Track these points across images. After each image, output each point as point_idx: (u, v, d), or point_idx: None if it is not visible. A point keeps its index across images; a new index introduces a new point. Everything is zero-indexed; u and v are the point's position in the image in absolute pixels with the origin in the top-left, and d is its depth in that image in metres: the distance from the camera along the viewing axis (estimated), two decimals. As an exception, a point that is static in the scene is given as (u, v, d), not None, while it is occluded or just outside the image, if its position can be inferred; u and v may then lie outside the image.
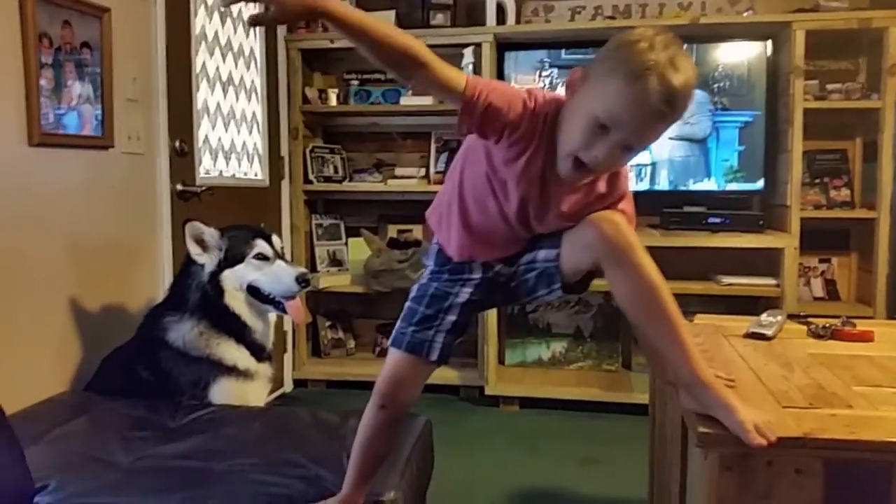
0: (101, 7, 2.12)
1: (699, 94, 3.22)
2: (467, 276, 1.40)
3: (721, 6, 3.42)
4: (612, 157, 1.16)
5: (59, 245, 2.01)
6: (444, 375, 3.36)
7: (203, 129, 2.77)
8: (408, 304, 1.42)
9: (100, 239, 2.17)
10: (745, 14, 3.29)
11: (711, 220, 3.16)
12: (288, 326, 3.43)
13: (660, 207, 3.26)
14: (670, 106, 1.10)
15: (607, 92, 1.11)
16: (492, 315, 3.25)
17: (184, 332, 2.01)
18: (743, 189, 3.26)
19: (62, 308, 2.03)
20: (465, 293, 1.40)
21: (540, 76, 3.36)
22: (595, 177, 1.26)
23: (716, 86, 3.24)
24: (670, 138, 3.27)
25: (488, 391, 3.25)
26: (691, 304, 3.23)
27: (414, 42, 1.14)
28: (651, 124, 1.13)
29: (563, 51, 3.35)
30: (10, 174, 1.83)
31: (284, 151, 3.43)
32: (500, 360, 3.47)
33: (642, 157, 3.27)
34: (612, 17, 3.47)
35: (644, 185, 3.30)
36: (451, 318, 1.39)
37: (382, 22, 1.15)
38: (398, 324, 1.42)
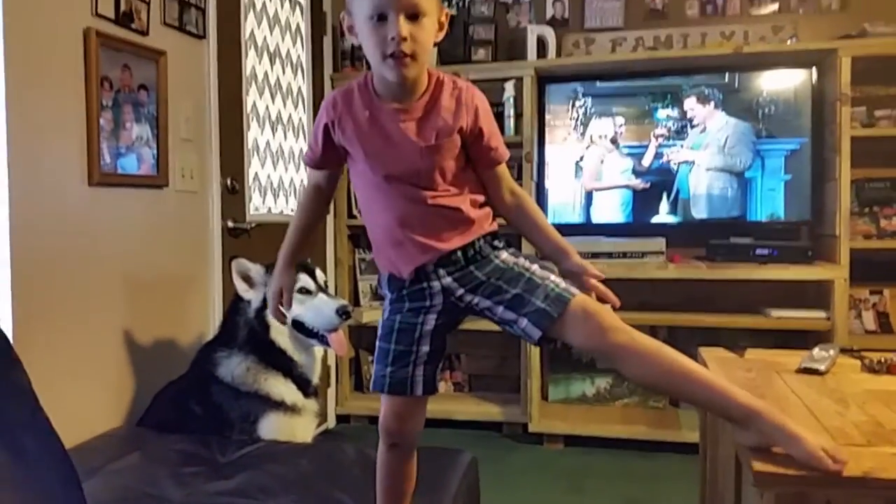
0: (159, 50, 2.21)
1: (741, 126, 3.21)
2: (429, 303, 1.38)
3: (764, 34, 3.41)
4: (402, 31, 1.24)
5: (115, 281, 2.07)
6: (487, 412, 3.35)
7: (253, 167, 2.84)
8: (378, 343, 1.42)
9: (154, 275, 2.23)
10: (790, 41, 3.28)
11: (759, 251, 3.10)
12: (332, 361, 3.46)
13: (706, 239, 3.23)
14: None
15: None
16: (534, 350, 3.23)
17: (232, 367, 2.05)
18: (790, 219, 3.21)
19: (118, 343, 2.09)
20: (430, 320, 1.39)
21: (573, 105, 3.38)
22: (414, 72, 1.30)
23: (760, 112, 3.21)
24: (708, 169, 3.25)
25: (532, 428, 3.21)
26: (740, 338, 3.17)
27: (310, 198, 1.52)
28: None
29: (597, 81, 3.37)
30: (71, 213, 1.91)
31: (329, 187, 3.49)
32: (544, 396, 3.44)
33: (681, 188, 3.26)
34: (653, 48, 3.48)
35: (688, 216, 3.28)
36: (425, 348, 1.38)
37: (295, 218, 1.53)
38: (375, 365, 1.42)
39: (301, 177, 3.30)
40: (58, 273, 1.85)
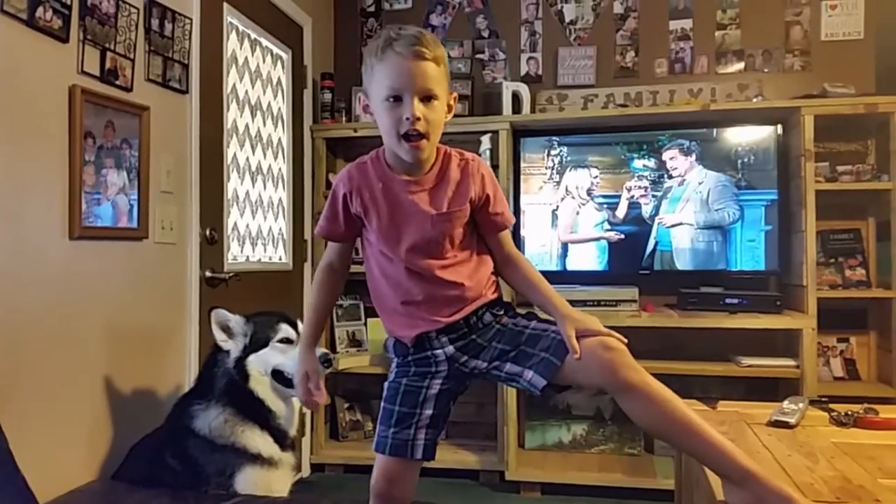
0: (142, 106, 2.24)
1: (723, 178, 3.30)
2: (434, 370, 1.43)
3: (731, 92, 3.54)
4: (415, 111, 1.32)
5: (93, 333, 2.07)
6: (463, 460, 3.34)
7: (232, 217, 2.87)
8: (382, 404, 1.46)
9: (132, 327, 2.23)
10: (755, 100, 3.41)
11: (729, 300, 3.18)
12: (307, 409, 3.43)
13: (676, 287, 3.30)
14: (418, 41, 1.32)
15: (377, 79, 1.35)
16: (511, 397, 3.25)
17: (210, 419, 2.04)
18: (758, 269, 3.29)
19: (95, 395, 2.07)
20: (435, 385, 1.43)
21: (548, 154, 3.47)
22: (427, 153, 1.38)
23: (739, 163, 3.30)
24: (690, 225, 3.33)
25: (509, 476, 3.22)
26: (711, 386, 3.23)
27: (324, 277, 1.55)
28: (415, 65, 1.32)
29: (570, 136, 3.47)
30: (51, 266, 1.91)
31: (307, 235, 3.52)
32: (521, 443, 3.45)
33: (660, 240, 3.34)
34: (623, 105, 3.59)
35: (663, 266, 3.35)
36: (428, 412, 1.42)
37: (311, 298, 1.58)
38: (378, 426, 1.45)
39: (279, 225, 3.33)
40: (37, 326, 1.85)
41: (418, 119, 1.32)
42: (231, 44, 2.88)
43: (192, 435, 2.02)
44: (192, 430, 2.02)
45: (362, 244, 1.52)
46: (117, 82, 2.15)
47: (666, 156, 3.36)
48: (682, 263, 3.34)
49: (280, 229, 3.33)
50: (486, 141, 3.43)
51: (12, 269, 1.78)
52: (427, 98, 1.34)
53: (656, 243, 3.36)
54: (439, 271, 1.40)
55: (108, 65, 2.10)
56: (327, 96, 3.64)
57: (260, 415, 2.09)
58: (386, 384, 1.48)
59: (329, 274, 1.55)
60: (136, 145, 2.24)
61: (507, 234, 1.50)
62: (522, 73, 3.75)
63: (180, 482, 1.94)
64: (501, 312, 1.46)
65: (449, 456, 3.35)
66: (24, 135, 1.82)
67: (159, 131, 2.34)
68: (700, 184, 3.33)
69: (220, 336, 2.13)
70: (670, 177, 3.36)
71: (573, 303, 3.04)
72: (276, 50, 3.30)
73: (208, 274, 2.60)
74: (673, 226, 3.35)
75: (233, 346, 2.12)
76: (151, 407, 2.27)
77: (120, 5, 2.15)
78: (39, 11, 1.84)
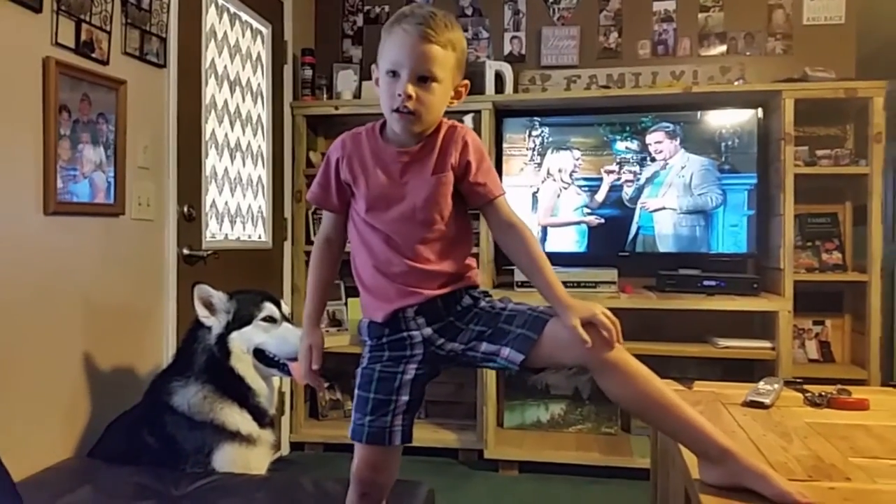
0: (118, 80, 2.20)
1: (706, 162, 3.31)
2: (409, 353, 1.42)
3: (713, 75, 3.55)
4: (407, 89, 1.32)
5: (69, 310, 2.04)
6: (443, 438, 3.36)
7: (211, 194, 2.84)
8: (357, 392, 1.44)
9: (109, 304, 2.20)
10: (737, 83, 3.42)
11: (707, 282, 3.21)
12: (286, 388, 3.43)
13: (655, 269, 3.32)
14: (425, 22, 1.31)
15: (383, 53, 1.36)
16: (490, 377, 3.27)
17: (189, 396, 2.03)
18: (736, 252, 3.32)
19: (71, 372, 2.05)
20: (411, 370, 1.42)
21: (530, 135, 3.46)
22: (417, 129, 1.37)
23: (723, 146, 3.31)
24: (673, 209, 3.34)
25: (487, 455, 3.24)
26: (688, 367, 3.27)
27: (321, 252, 1.54)
28: (418, 43, 1.31)
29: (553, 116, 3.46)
30: (26, 242, 1.88)
31: (288, 213, 3.50)
32: (499, 423, 3.47)
33: (644, 224, 3.35)
34: (606, 87, 3.59)
35: (644, 248, 3.37)
36: (405, 398, 1.41)
37: (311, 275, 1.55)
38: (354, 413, 1.44)
39: (259, 203, 3.30)
40: (11, 302, 1.82)
41: (409, 97, 1.31)
42: (210, 17, 2.83)
43: (171, 412, 2.01)
44: (171, 407, 2.01)
45: (349, 216, 1.50)
46: (93, 55, 2.10)
47: (650, 138, 3.37)
48: (664, 246, 3.36)
49: (259, 207, 3.30)
50: (468, 121, 3.41)
51: (-15, 244, 1.74)
52: (424, 79, 1.33)
53: (639, 228, 3.37)
54: (420, 245, 1.39)
55: (83, 37, 2.06)
56: (308, 73, 3.60)
57: (240, 392, 2.09)
58: (359, 370, 1.45)
59: (326, 249, 1.54)
60: (113, 120, 2.20)
61: (501, 204, 1.44)
62: (506, 52, 3.73)
63: (158, 459, 1.93)
64: (479, 296, 1.46)
65: (429, 435, 3.36)
66: (-3, 107, 1.78)
67: (136, 106, 2.30)
68: (683, 168, 3.34)
69: (202, 312, 2.12)
70: (653, 160, 3.36)
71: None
72: (255, 24, 3.25)
73: (186, 251, 2.58)
74: (655, 210, 3.36)
75: (215, 323, 2.10)
76: (129, 384, 2.25)
77: (95, -25, 2.10)
78: (12, -20, 1.79)
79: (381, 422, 1.40)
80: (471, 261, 1.48)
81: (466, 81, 1.45)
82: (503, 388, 3.49)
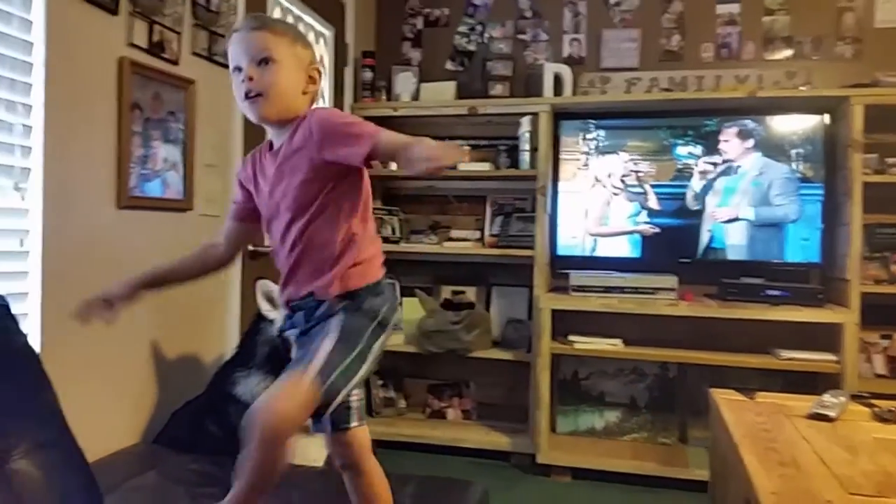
0: (188, 79, 2.28)
1: (785, 170, 3.21)
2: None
3: (778, 79, 3.46)
4: (249, 72, 1.41)
5: (140, 301, 2.11)
6: (495, 441, 3.35)
7: (272, 193, 2.89)
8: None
9: (176, 296, 2.25)
10: (803, 88, 3.33)
11: (770, 292, 3.13)
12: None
13: (717, 277, 3.26)
14: (254, 19, 1.51)
15: (229, 57, 1.47)
16: (543, 381, 3.25)
17: (251, 386, 2.08)
18: (801, 262, 3.23)
19: (140, 360, 2.13)
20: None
21: (584, 138, 3.43)
22: (266, 111, 1.44)
23: (794, 152, 3.22)
24: (756, 225, 3.26)
25: (540, 459, 3.22)
26: (749, 378, 3.19)
27: (199, 251, 1.68)
28: (249, 35, 1.44)
29: (612, 119, 3.43)
30: (100, 234, 1.96)
31: (345, 213, 3.54)
32: (553, 428, 3.45)
33: (716, 236, 3.29)
34: (668, 90, 3.53)
35: (705, 255, 3.31)
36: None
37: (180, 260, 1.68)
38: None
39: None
40: (85, 292, 1.89)
41: (251, 79, 1.41)
42: (276, 20, 2.90)
43: (233, 401, 2.06)
44: (234, 397, 2.07)
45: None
46: (164, 55, 2.18)
47: (722, 137, 3.28)
48: (728, 255, 3.29)
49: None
50: (525, 123, 3.41)
51: (63, 235, 1.83)
52: (263, 61, 1.42)
53: (711, 237, 3.29)
54: (298, 240, 1.46)
55: (155, 37, 2.14)
56: (367, 75, 3.65)
57: (299, 384, 2.13)
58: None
59: (204, 250, 1.67)
60: (182, 118, 2.27)
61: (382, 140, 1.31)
62: (565, 54, 3.71)
63: (220, 448, 1.98)
64: (341, 308, 1.45)
65: (481, 437, 3.37)
66: (76, 105, 1.86)
67: (204, 105, 2.37)
68: (760, 174, 3.26)
69: (264, 306, 2.18)
70: (724, 161, 3.27)
71: (609, 289, 3.09)
72: (318, 27, 3.31)
73: (250, 247, 2.64)
74: (728, 221, 3.28)
75: (277, 316, 2.16)
76: (193, 374, 2.32)
77: (170, -21, 2.17)
78: (93, -17, 1.87)
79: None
80: (356, 265, 1.52)
81: (317, 66, 1.51)
82: (556, 392, 3.47)
